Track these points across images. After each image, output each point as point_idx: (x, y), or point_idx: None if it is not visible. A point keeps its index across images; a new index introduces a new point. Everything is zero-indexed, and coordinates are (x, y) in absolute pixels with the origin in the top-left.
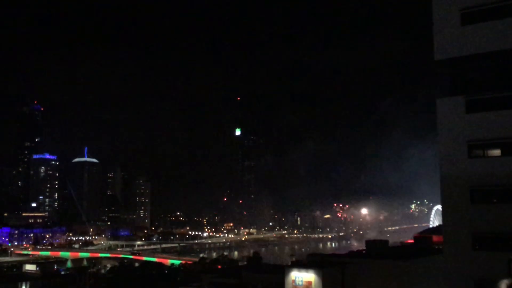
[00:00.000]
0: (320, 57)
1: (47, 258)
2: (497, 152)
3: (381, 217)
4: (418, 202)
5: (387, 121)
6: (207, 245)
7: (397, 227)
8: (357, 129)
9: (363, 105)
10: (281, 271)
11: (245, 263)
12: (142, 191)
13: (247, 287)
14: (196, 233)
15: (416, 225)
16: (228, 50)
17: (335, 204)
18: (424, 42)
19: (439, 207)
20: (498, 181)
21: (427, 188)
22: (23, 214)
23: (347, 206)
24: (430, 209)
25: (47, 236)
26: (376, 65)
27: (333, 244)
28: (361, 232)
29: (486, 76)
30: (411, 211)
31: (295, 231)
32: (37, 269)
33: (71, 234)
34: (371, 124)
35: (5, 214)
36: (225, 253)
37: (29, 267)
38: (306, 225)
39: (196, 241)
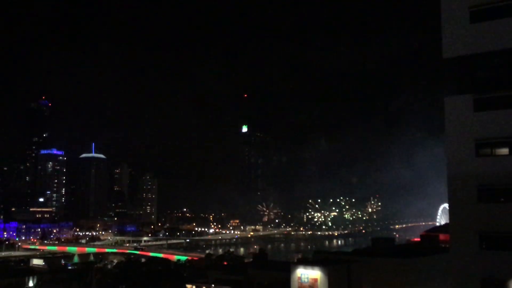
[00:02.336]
0: (329, 54)
1: (54, 253)
2: (505, 150)
3: (388, 215)
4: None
5: (398, 119)
6: (213, 242)
7: (404, 225)
8: (367, 127)
9: (373, 102)
10: (287, 268)
11: (251, 259)
12: (149, 187)
13: (253, 283)
14: (203, 229)
15: (423, 223)
16: (236, 47)
17: (342, 202)
18: (433, 40)
19: (446, 205)
20: (506, 180)
21: (436, 186)
22: (31, 209)
23: (354, 203)
24: (437, 207)
25: (54, 231)
26: (385, 63)
27: (339, 242)
28: (367, 230)
29: (494, 74)
30: None
31: (301, 228)
32: (44, 263)
33: (78, 229)
34: (381, 122)
35: (13, 209)
36: (231, 250)
37: (36, 261)
38: (312, 222)
39: (202, 237)
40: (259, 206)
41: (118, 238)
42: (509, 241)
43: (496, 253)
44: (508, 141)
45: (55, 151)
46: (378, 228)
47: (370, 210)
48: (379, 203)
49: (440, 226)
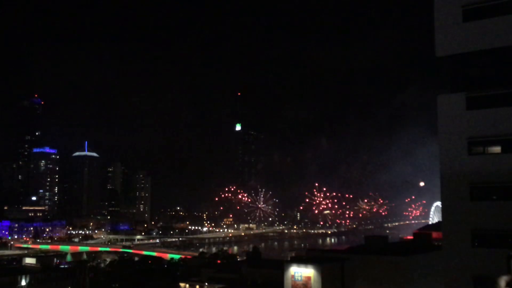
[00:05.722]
0: (325, 52)
1: (47, 251)
2: (497, 149)
3: (381, 213)
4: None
5: (396, 117)
6: (206, 240)
7: (397, 223)
8: (364, 125)
9: (371, 101)
10: (281, 266)
11: (245, 258)
12: (142, 185)
13: (246, 282)
14: (196, 227)
15: (416, 222)
16: (230, 45)
17: (335, 200)
18: (427, 38)
19: (438, 203)
20: (498, 178)
21: (429, 184)
22: (23, 208)
23: (348, 201)
24: (430, 205)
25: (47, 229)
26: (383, 60)
27: (333, 240)
28: (360, 228)
29: (487, 73)
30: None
31: (295, 227)
32: (37, 262)
33: (71, 228)
34: (379, 120)
35: (5, 208)
36: (225, 248)
37: (29, 260)
38: (306, 220)
39: (195, 236)
40: (253, 204)
41: (111, 236)
42: (501, 238)
43: (488, 250)
44: (501, 140)
45: (47, 150)
46: (371, 226)
47: (364, 208)
48: (374, 202)
49: (433, 224)
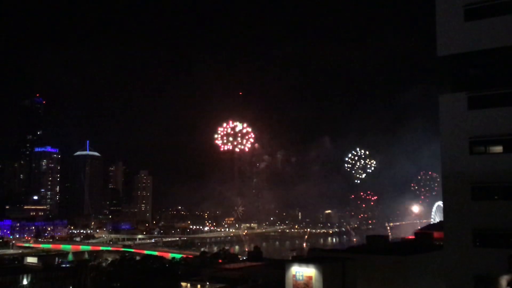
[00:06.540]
0: (325, 53)
1: (48, 251)
2: (499, 148)
3: (382, 212)
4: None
5: (396, 117)
6: (208, 239)
7: (398, 223)
8: (363, 125)
9: (372, 101)
10: (282, 266)
11: (246, 257)
12: (143, 185)
13: (247, 281)
14: (197, 227)
15: (417, 221)
16: (231, 44)
17: (338, 200)
18: (429, 38)
19: (440, 203)
20: (499, 178)
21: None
22: (25, 207)
23: (349, 200)
24: (432, 205)
25: (49, 229)
26: (382, 61)
27: (334, 239)
28: (362, 228)
29: (488, 72)
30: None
31: (296, 226)
32: (38, 262)
33: (72, 227)
34: (381, 120)
35: (7, 207)
36: (226, 247)
37: (30, 259)
38: (307, 220)
39: (197, 235)
40: (254, 204)
41: (112, 236)
42: (502, 238)
43: (489, 250)
44: (502, 139)
45: (49, 149)
46: (371, 226)
47: (365, 207)
48: (375, 201)
49: (434, 224)
